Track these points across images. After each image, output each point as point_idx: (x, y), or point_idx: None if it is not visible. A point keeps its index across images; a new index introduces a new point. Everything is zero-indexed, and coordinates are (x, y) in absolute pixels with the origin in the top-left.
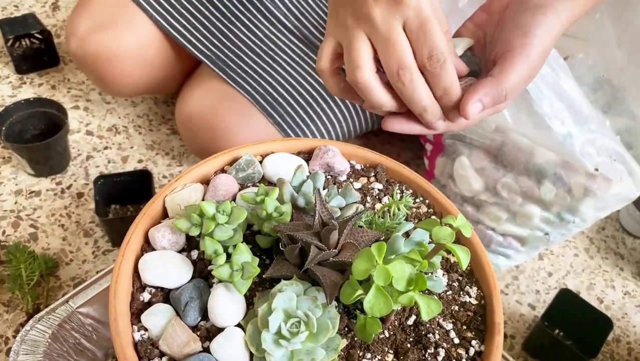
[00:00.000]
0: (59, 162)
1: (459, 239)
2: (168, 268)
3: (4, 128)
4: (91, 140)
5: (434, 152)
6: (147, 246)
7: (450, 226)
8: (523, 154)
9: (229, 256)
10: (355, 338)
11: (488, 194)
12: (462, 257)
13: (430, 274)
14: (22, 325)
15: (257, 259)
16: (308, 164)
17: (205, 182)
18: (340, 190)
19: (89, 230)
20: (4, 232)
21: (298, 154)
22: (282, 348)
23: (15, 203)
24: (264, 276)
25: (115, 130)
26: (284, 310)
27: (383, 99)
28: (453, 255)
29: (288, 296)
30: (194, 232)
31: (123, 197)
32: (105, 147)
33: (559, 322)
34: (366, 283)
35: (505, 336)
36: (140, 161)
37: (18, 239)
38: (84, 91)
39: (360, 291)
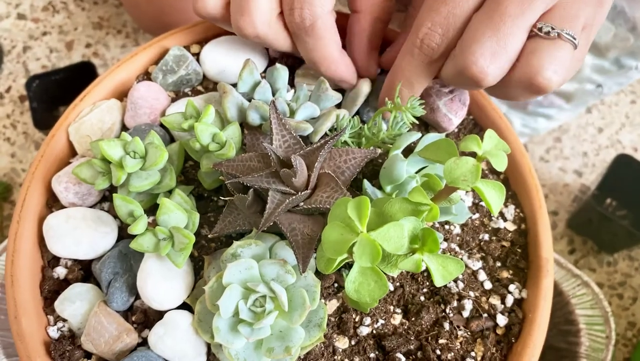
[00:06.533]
0: None
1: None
2: (79, 233)
3: None
4: (25, 26)
5: None
6: (55, 202)
7: (474, 155)
8: None
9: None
10: None
11: None
12: (493, 201)
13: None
14: None
15: (196, 215)
16: (268, 52)
17: (125, 95)
18: (311, 92)
19: (41, 140)
20: None
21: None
22: (243, 338)
23: None
24: (209, 236)
25: (52, 9)
26: (241, 283)
27: None
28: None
29: (245, 264)
30: (102, 184)
31: (69, 98)
32: (44, 33)
33: (613, 192)
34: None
35: None
36: (88, 46)
37: None
38: None
39: (344, 256)
